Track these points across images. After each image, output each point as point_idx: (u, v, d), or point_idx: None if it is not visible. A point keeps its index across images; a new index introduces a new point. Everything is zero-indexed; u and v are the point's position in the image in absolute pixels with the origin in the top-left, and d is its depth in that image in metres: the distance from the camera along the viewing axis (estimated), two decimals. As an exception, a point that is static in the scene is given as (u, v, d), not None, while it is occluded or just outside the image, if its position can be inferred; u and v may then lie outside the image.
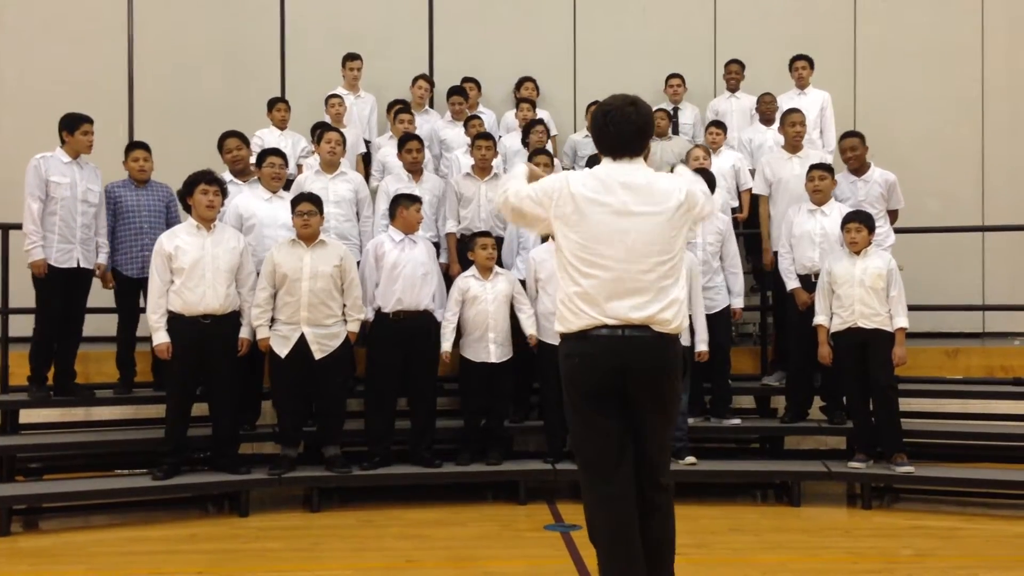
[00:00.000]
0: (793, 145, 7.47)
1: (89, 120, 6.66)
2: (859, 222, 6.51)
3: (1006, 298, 9.11)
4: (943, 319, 8.85)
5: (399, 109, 8.38)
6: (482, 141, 7.49)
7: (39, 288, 6.55)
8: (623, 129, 3.67)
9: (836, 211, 6.84)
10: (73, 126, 6.61)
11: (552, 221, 3.70)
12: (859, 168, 7.19)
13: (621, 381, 3.61)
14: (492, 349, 6.72)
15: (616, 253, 3.59)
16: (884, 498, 6.85)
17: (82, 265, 6.62)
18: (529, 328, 6.74)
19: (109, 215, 6.79)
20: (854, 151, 7.17)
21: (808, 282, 6.85)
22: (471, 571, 5.21)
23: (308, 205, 6.42)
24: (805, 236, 6.89)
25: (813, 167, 7.00)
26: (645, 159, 3.76)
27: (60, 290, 6.55)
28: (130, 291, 6.81)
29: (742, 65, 9.07)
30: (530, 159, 7.62)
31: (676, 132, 8.89)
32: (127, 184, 6.88)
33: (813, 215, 6.92)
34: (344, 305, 6.49)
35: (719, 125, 8.44)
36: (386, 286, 6.61)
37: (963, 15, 9.67)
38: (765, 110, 8.54)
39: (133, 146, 7.07)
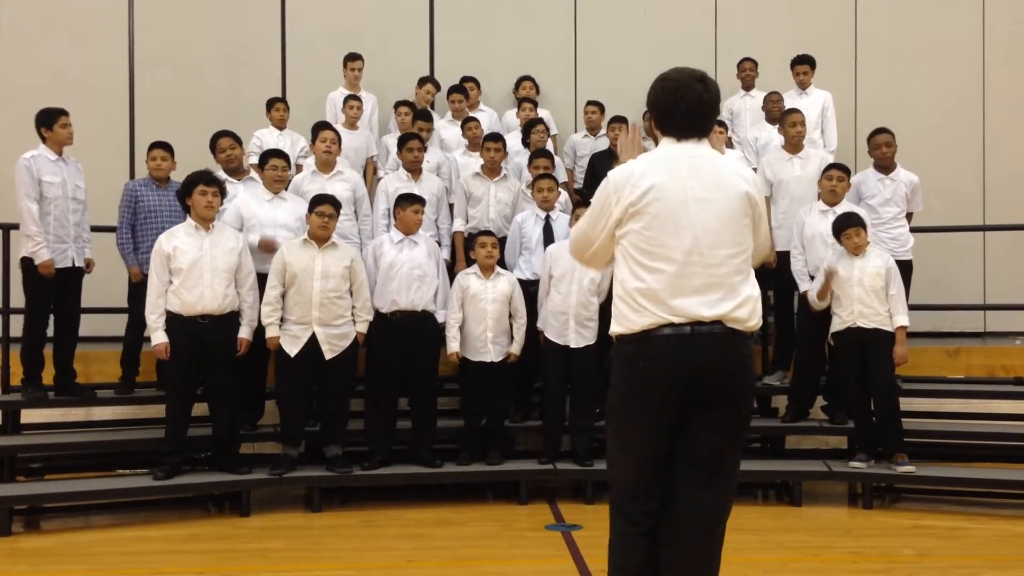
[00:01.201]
0: (794, 145, 7.46)
1: (65, 112, 6.61)
2: (857, 226, 6.50)
3: (1007, 297, 9.09)
4: (944, 318, 8.84)
5: (415, 115, 8.27)
6: (491, 143, 7.49)
7: (33, 288, 6.50)
8: (694, 108, 3.28)
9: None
10: (51, 120, 6.55)
11: (613, 218, 3.26)
12: (888, 166, 7.20)
13: (690, 389, 3.17)
14: (491, 348, 6.72)
15: (683, 244, 3.17)
16: (885, 498, 6.85)
17: (76, 264, 6.62)
18: (514, 346, 6.75)
19: (129, 212, 6.77)
20: (889, 147, 7.20)
21: None
22: (472, 571, 5.21)
23: (329, 208, 6.43)
24: (817, 237, 6.85)
25: (832, 167, 6.99)
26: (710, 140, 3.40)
27: (55, 290, 6.53)
28: (144, 290, 6.74)
29: (755, 63, 9.00)
30: (531, 160, 7.64)
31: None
32: (148, 183, 6.87)
33: (825, 215, 6.88)
34: (353, 306, 6.50)
35: (719, 124, 8.39)
36: (382, 286, 6.62)
37: (963, 15, 9.65)
38: (772, 109, 8.47)
39: (153, 145, 7.02)
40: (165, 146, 6.97)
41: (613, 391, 3.34)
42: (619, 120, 8.43)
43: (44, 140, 6.57)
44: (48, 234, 6.46)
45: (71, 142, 6.65)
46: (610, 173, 3.33)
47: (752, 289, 3.26)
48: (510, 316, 6.80)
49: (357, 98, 8.55)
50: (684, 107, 3.28)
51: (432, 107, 9.11)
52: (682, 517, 3.25)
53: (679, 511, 3.26)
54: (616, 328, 3.30)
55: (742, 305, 3.21)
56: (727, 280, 3.20)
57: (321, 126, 7.72)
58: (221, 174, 6.97)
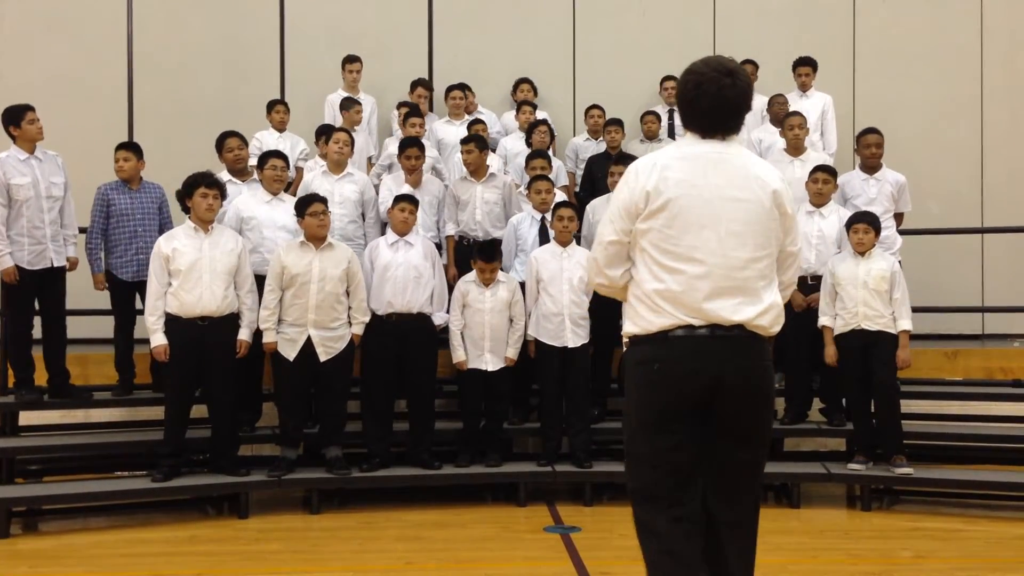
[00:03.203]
0: (794, 147, 7.47)
1: (31, 108, 6.46)
2: (867, 223, 6.51)
3: (1005, 300, 9.10)
4: (943, 321, 8.84)
5: (408, 113, 8.33)
6: (462, 146, 7.46)
7: (12, 292, 6.43)
8: (718, 104, 3.12)
9: (835, 214, 6.85)
10: (17, 118, 6.39)
11: (641, 208, 3.12)
12: (873, 167, 7.21)
13: (708, 395, 3.06)
14: (488, 358, 6.69)
15: (707, 245, 3.06)
16: (884, 500, 6.83)
17: (55, 264, 6.52)
18: (510, 350, 6.71)
19: (101, 217, 6.69)
20: (879, 147, 7.22)
21: (804, 284, 6.80)
22: (470, 573, 5.22)
23: (320, 205, 6.43)
24: (802, 237, 6.86)
25: (818, 168, 7.00)
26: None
27: (35, 293, 6.48)
28: (125, 294, 6.73)
29: (756, 65, 8.92)
30: (528, 161, 7.63)
31: (672, 135, 8.84)
32: (119, 186, 6.77)
33: (811, 217, 6.91)
34: (349, 308, 6.50)
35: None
36: (377, 288, 6.61)
37: (962, 17, 9.67)
38: (777, 111, 8.42)
39: (118, 147, 6.91)
40: (129, 147, 6.90)
41: (626, 396, 3.21)
42: (615, 123, 8.43)
43: (14, 140, 6.43)
44: (23, 237, 6.34)
45: (41, 137, 6.48)
46: (632, 164, 3.21)
47: (775, 296, 3.15)
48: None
49: (357, 101, 8.55)
50: (705, 103, 3.13)
51: (430, 107, 9.11)
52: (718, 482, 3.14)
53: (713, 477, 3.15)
54: (630, 328, 3.17)
55: (765, 313, 3.10)
56: (750, 285, 3.09)
57: (332, 128, 7.71)
58: (225, 175, 6.97)
